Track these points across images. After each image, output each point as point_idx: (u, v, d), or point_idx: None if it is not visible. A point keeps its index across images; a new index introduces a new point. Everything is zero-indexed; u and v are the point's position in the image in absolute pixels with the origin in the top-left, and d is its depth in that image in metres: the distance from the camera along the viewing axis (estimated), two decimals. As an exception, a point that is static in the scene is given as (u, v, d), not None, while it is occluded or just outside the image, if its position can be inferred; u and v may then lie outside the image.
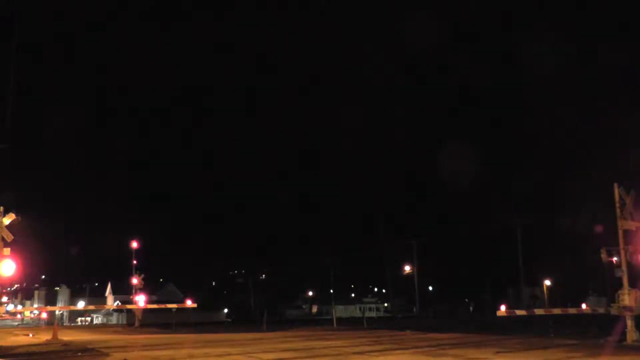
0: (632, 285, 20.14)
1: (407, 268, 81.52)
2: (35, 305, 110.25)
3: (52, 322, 41.99)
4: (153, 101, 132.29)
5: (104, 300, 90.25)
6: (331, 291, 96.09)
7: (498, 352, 16.73)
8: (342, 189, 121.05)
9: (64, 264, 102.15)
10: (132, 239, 44.33)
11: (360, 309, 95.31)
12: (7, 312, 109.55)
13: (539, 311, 27.10)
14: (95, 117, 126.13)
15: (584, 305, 38.07)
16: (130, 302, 46.30)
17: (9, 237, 19.15)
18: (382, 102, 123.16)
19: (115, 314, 78.04)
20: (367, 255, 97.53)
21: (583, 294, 73.10)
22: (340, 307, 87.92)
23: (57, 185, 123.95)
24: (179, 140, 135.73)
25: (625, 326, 19.83)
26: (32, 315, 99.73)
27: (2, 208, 19.36)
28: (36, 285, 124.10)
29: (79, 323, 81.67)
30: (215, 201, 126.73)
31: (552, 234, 71.88)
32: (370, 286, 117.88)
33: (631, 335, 19.48)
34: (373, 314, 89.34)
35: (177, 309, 41.14)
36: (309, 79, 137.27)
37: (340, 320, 43.27)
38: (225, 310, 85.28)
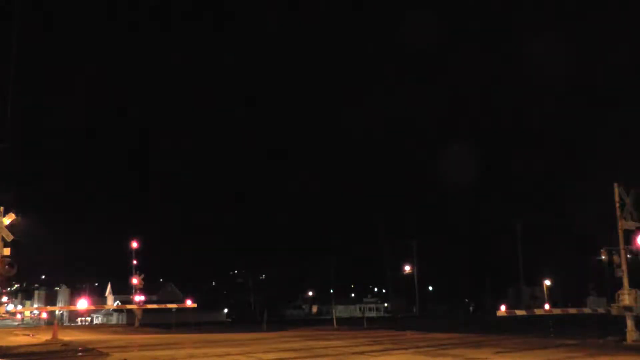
0: (632, 285, 20.14)
1: (407, 268, 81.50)
2: (35, 305, 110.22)
3: (52, 322, 42.00)
4: (153, 100, 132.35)
5: (104, 300, 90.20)
6: (331, 291, 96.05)
7: (498, 352, 16.72)
8: (342, 189, 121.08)
9: (64, 264, 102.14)
10: (132, 239, 44.34)
11: (360, 309, 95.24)
12: (7, 312, 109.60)
13: (539, 311, 27.08)
14: (95, 116, 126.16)
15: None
16: (130, 302, 46.31)
17: (9, 237, 19.16)
18: (382, 102, 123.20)
19: (115, 314, 78.01)
20: (367, 255, 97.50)
21: (583, 294, 73.12)
22: (340, 307, 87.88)
23: (57, 185, 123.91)
24: (178, 141, 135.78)
25: (625, 326, 19.82)
26: (32, 315, 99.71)
27: (2, 208, 19.37)
28: (36, 285, 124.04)
29: (79, 323, 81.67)
30: (215, 201, 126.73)
31: (552, 234, 71.96)
32: (370, 286, 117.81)
33: (631, 335, 19.48)
34: (373, 314, 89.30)
35: (177, 309, 41.13)
36: (308, 79, 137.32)
37: (340, 320, 43.25)
38: (225, 310, 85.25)
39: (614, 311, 20.42)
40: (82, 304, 39.72)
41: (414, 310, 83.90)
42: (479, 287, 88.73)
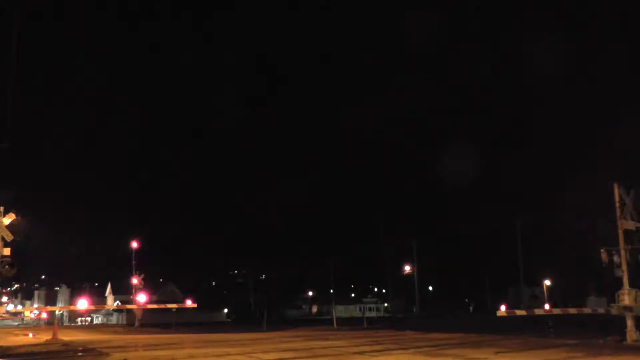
0: (632, 285, 20.14)
1: (407, 268, 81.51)
2: (35, 305, 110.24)
3: (52, 322, 41.99)
4: (153, 101, 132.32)
5: (104, 300, 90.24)
6: (331, 291, 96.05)
7: (498, 352, 16.72)
8: (342, 189, 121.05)
9: (64, 264, 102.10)
10: (132, 239, 44.37)
11: (360, 309, 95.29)
12: (7, 312, 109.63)
13: (539, 311, 27.09)
14: (94, 116, 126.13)
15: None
16: (130, 302, 46.32)
17: (9, 237, 19.15)
18: (382, 101, 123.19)
19: (115, 314, 78.04)
20: (367, 255, 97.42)
21: (583, 294, 73.12)
22: (340, 307, 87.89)
23: (57, 185, 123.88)
24: (178, 140, 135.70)
25: (625, 326, 19.82)
26: (32, 315, 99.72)
27: (2, 208, 19.36)
28: (36, 285, 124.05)
29: (79, 323, 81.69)
30: (216, 201, 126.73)
31: (552, 233, 71.91)
32: (370, 286, 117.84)
33: (631, 335, 19.48)
34: (373, 314, 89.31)
35: (177, 309, 41.13)
36: (308, 79, 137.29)
37: (340, 320, 43.26)
38: (225, 310, 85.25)
39: (614, 311, 20.42)
40: (82, 304, 39.70)
41: (414, 310, 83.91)
42: (479, 287, 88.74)
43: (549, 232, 73.13)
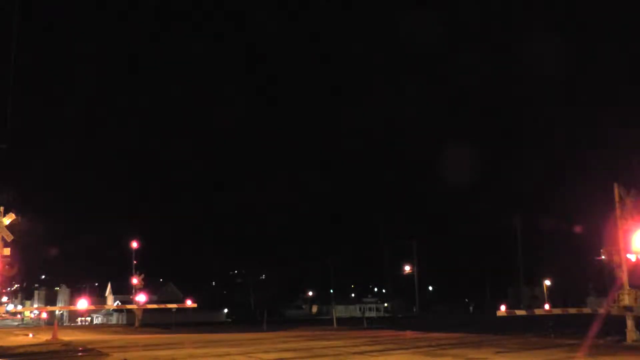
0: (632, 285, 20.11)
1: (407, 268, 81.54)
2: (35, 305, 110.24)
3: (52, 322, 41.99)
4: (153, 101, 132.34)
5: (104, 300, 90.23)
6: (331, 291, 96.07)
7: (498, 352, 16.71)
8: (342, 189, 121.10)
9: (64, 264, 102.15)
10: (132, 239, 44.35)
11: (360, 309, 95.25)
12: (7, 312, 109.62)
13: (539, 311, 27.07)
14: (94, 116, 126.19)
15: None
16: (130, 302, 46.31)
17: (9, 237, 19.15)
18: (382, 102, 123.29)
19: (115, 314, 78.03)
20: (367, 255, 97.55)
21: (583, 294, 73.15)
22: (340, 307, 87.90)
23: (57, 185, 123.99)
24: (178, 141, 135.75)
25: (625, 326, 19.80)
26: (32, 315, 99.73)
27: (2, 208, 19.36)
28: (36, 285, 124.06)
29: (79, 323, 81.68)
30: (216, 201, 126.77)
31: (552, 233, 72.00)
32: (370, 286, 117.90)
33: (631, 335, 19.45)
34: (373, 314, 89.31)
35: (177, 309, 41.12)
36: (307, 79, 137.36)
37: (340, 320, 43.20)
38: (225, 310, 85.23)
39: (614, 311, 20.38)
40: (82, 304, 39.69)
41: (414, 310, 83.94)
42: (479, 287, 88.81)
43: (548, 232, 73.24)
